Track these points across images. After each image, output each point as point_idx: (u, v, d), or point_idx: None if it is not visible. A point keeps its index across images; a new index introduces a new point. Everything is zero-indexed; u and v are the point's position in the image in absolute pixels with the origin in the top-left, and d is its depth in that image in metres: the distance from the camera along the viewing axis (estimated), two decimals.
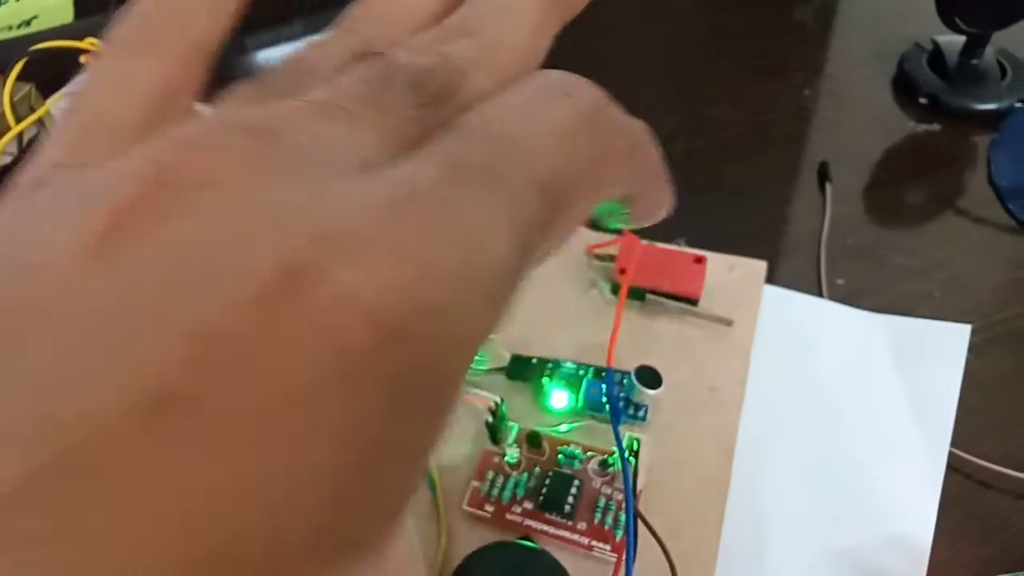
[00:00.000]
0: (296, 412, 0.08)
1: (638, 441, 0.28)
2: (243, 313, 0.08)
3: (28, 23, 0.48)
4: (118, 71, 0.12)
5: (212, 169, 0.09)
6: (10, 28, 0.47)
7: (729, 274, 0.35)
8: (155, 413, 0.08)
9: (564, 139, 0.10)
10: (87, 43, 0.36)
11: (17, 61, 0.34)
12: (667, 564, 0.24)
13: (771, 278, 0.35)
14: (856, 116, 0.45)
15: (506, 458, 0.28)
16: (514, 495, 0.27)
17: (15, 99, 0.34)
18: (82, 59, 0.37)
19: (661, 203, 0.13)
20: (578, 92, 0.11)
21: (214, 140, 0.10)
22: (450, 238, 0.09)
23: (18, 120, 0.34)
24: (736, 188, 0.41)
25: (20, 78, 0.34)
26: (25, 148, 0.35)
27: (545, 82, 0.11)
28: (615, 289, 0.33)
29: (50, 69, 0.38)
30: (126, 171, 0.09)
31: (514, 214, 0.09)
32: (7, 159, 0.34)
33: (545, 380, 0.30)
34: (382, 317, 0.08)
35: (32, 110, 0.36)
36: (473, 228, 0.09)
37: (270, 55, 0.52)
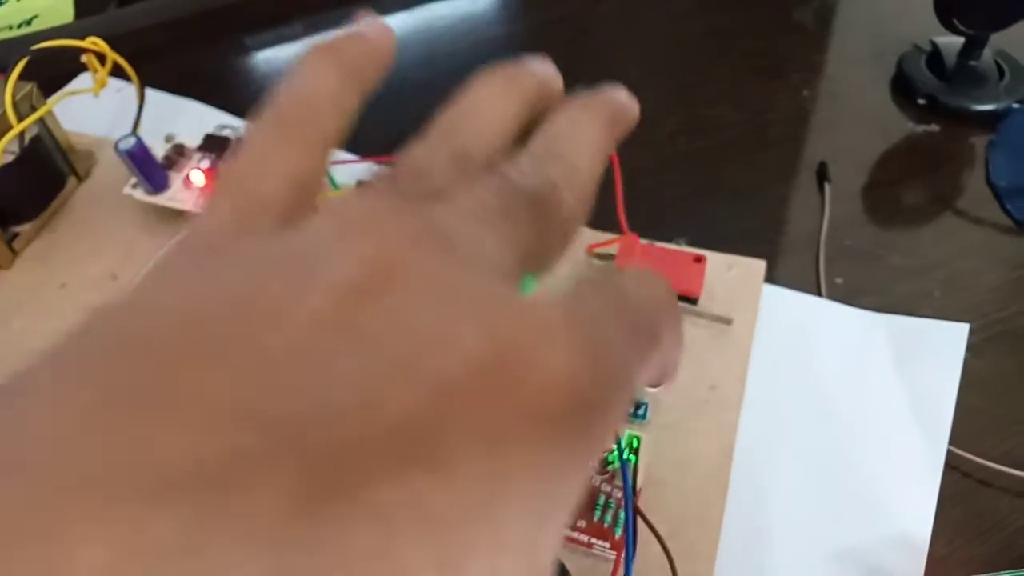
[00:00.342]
0: (513, 454, 0.10)
1: (638, 439, 0.28)
2: (471, 374, 0.10)
3: (29, 23, 0.48)
4: (268, 156, 0.15)
5: (415, 262, 0.11)
6: (11, 28, 0.47)
7: (728, 273, 0.35)
8: (409, 454, 0.09)
9: (662, 304, 0.14)
10: (88, 42, 0.36)
11: (19, 60, 0.34)
12: (667, 562, 0.24)
13: (770, 278, 0.35)
14: (855, 116, 0.45)
15: None
16: None
17: (16, 98, 0.34)
18: (83, 58, 0.37)
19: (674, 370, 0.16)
20: (664, 283, 0.15)
21: (412, 237, 0.12)
22: (609, 348, 0.12)
23: (19, 119, 0.34)
24: (735, 188, 0.41)
25: (21, 77, 0.34)
26: (27, 147, 0.35)
27: (651, 277, 0.15)
28: None
29: (51, 68, 0.38)
30: (350, 253, 0.11)
31: (637, 346, 0.13)
32: (8, 158, 0.34)
33: None
34: (575, 388, 0.11)
35: (33, 109, 0.36)
36: (620, 348, 0.12)
37: (270, 55, 0.52)
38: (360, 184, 0.16)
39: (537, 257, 0.14)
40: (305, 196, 0.15)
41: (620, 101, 0.18)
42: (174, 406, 0.10)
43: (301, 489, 0.09)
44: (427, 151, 0.15)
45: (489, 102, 0.17)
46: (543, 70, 0.18)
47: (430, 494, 0.09)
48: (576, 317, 0.12)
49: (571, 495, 0.11)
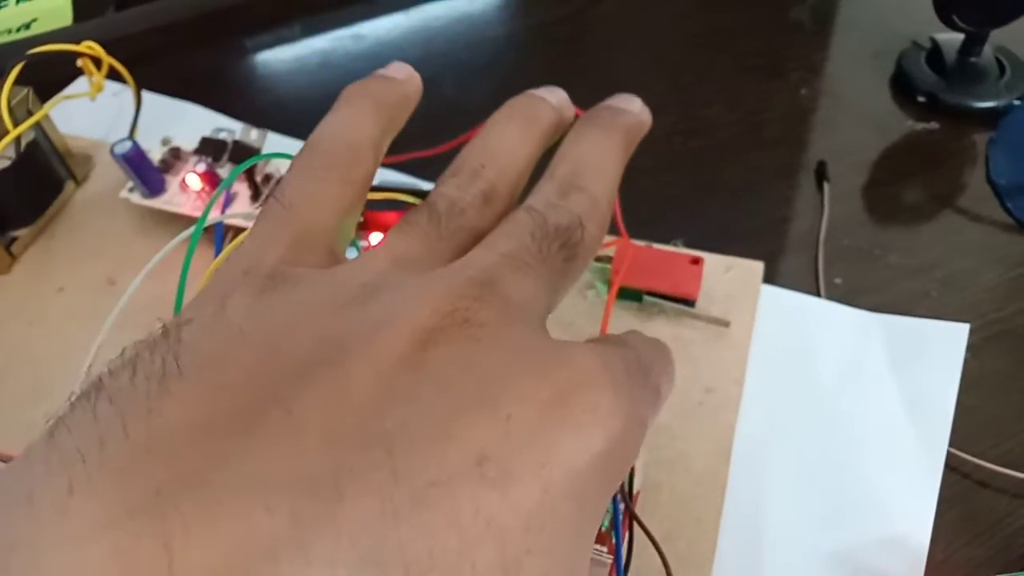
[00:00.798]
0: (563, 480, 0.12)
1: None
2: (535, 410, 0.12)
3: (27, 26, 0.48)
4: (321, 191, 0.16)
5: (475, 312, 0.13)
6: (9, 31, 0.47)
7: (726, 275, 0.35)
8: (479, 469, 0.11)
9: (667, 364, 0.17)
10: (84, 47, 0.36)
11: (14, 65, 0.34)
12: (662, 566, 0.24)
13: (769, 278, 0.35)
14: (854, 115, 0.45)
15: None
16: None
17: (12, 103, 0.34)
18: (79, 63, 0.37)
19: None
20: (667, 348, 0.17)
21: (467, 290, 0.13)
22: (636, 390, 0.14)
23: (16, 124, 0.34)
24: (733, 188, 0.41)
25: (18, 81, 0.34)
26: (23, 151, 0.35)
27: (668, 351, 0.17)
28: (607, 288, 0.33)
29: (48, 72, 0.38)
30: (423, 300, 0.13)
31: (653, 408, 0.15)
32: (5, 163, 0.34)
33: None
34: (619, 430, 0.13)
35: (30, 113, 0.36)
36: (644, 396, 0.14)
37: (268, 57, 0.52)
38: (399, 222, 0.17)
39: (561, 290, 0.16)
40: (346, 234, 0.17)
41: (636, 117, 0.19)
42: (277, 428, 0.11)
43: (390, 495, 0.10)
44: (458, 190, 0.17)
45: (511, 141, 0.18)
46: (559, 103, 0.19)
47: (496, 507, 0.11)
48: (609, 367, 0.13)
49: (600, 514, 0.13)
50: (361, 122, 0.17)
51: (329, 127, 0.17)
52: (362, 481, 0.10)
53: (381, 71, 0.19)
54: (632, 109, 0.19)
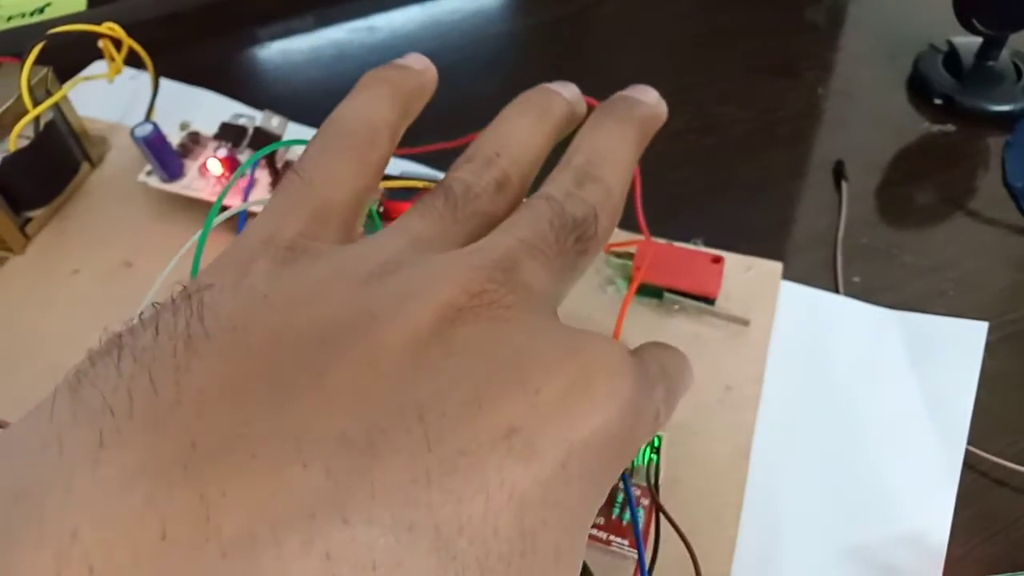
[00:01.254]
0: (580, 454, 0.12)
1: (659, 438, 0.28)
2: (562, 388, 0.12)
3: (41, 10, 0.47)
4: (340, 169, 0.16)
5: (497, 294, 0.13)
6: (23, 15, 0.47)
7: (746, 274, 0.35)
8: (507, 441, 0.11)
9: (684, 364, 0.17)
10: (105, 27, 0.36)
11: (35, 45, 0.34)
12: (689, 560, 0.24)
13: (787, 277, 0.35)
14: (870, 116, 0.45)
15: None
16: None
17: (32, 83, 0.34)
18: (100, 44, 0.36)
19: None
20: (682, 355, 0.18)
21: (489, 272, 0.14)
22: (651, 378, 0.14)
23: (35, 104, 0.34)
24: (748, 186, 0.41)
25: (37, 62, 0.34)
26: (41, 132, 0.35)
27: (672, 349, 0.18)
28: (627, 284, 0.33)
29: (66, 54, 0.38)
30: (442, 281, 0.13)
31: (668, 409, 0.16)
32: (23, 142, 0.34)
33: None
34: (634, 415, 0.13)
35: (49, 94, 0.35)
36: (658, 390, 0.15)
37: (282, 46, 0.52)
38: (414, 203, 0.17)
39: (571, 282, 0.16)
40: (360, 214, 0.17)
41: (652, 108, 0.19)
42: (309, 390, 0.11)
43: (422, 459, 0.11)
44: (472, 176, 0.17)
45: (525, 131, 0.18)
46: (572, 98, 0.20)
47: (520, 479, 0.11)
48: (626, 355, 0.14)
49: (604, 494, 0.13)
50: (378, 106, 0.18)
51: (348, 109, 0.18)
52: (395, 443, 0.11)
53: (399, 60, 0.19)
54: (648, 100, 0.19)
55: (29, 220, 0.36)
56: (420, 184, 0.28)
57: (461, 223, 0.16)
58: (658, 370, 0.15)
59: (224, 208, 0.31)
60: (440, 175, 0.38)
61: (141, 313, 0.12)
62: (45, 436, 0.10)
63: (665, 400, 0.15)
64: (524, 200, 0.17)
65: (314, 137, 0.17)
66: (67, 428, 0.10)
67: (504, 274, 0.14)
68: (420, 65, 0.19)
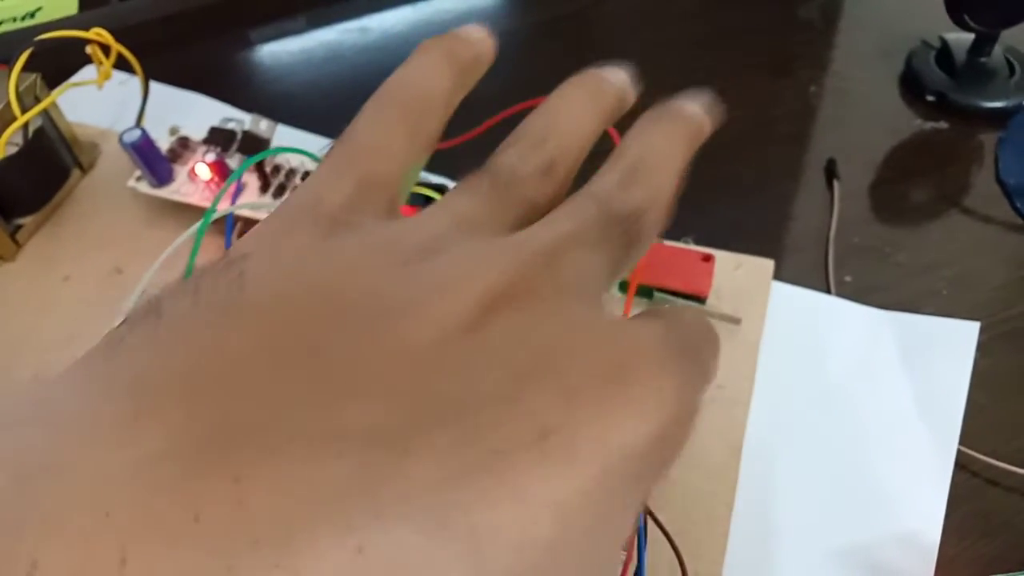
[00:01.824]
0: (618, 453, 0.11)
1: None
2: (597, 386, 0.12)
3: (32, 15, 0.47)
4: (391, 140, 0.16)
5: (538, 286, 0.13)
6: (14, 20, 0.47)
7: (736, 272, 0.35)
8: (541, 442, 0.11)
9: (714, 345, 0.16)
10: (93, 33, 0.36)
11: (23, 51, 0.34)
12: (676, 560, 0.24)
13: (778, 276, 0.35)
14: (863, 113, 0.45)
15: None
16: None
17: (20, 89, 0.34)
18: (87, 50, 0.36)
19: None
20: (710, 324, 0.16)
21: (532, 263, 0.13)
22: (687, 379, 0.13)
23: (23, 110, 0.34)
24: (743, 185, 0.41)
25: (25, 68, 0.34)
26: (30, 139, 0.35)
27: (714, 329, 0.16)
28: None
29: (55, 61, 0.38)
30: (484, 269, 0.13)
31: (703, 386, 0.14)
32: (12, 149, 0.34)
33: None
34: (673, 416, 0.12)
35: (37, 100, 0.35)
36: (694, 380, 0.14)
37: (274, 49, 0.52)
38: (458, 182, 0.16)
39: (618, 274, 0.16)
40: (408, 187, 0.16)
41: (704, 116, 0.19)
42: (346, 377, 0.11)
43: (457, 458, 0.10)
44: (518, 160, 0.16)
45: (575, 116, 0.18)
46: (623, 83, 0.19)
47: (556, 483, 0.11)
48: (668, 345, 0.13)
49: (645, 499, 0.13)
50: (434, 75, 0.17)
51: (402, 77, 0.17)
52: (429, 440, 0.10)
53: (456, 30, 0.19)
54: (704, 108, 0.19)
55: (19, 227, 0.36)
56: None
57: (505, 207, 0.15)
58: (695, 350, 0.15)
59: (204, 210, 0.31)
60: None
61: (182, 277, 0.12)
62: (79, 405, 0.10)
63: (702, 386, 0.15)
64: (571, 196, 0.16)
65: (366, 105, 0.17)
66: (100, 399, 0.10)
67: (546, 265, 0.13)
68: (479, 35, 0.19)
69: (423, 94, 0.17)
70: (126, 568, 0.08)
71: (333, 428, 0.10)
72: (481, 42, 0.18)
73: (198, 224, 0.24)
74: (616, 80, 0.19)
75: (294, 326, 0.11)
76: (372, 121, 0.16)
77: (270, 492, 0.09)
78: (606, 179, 0.16)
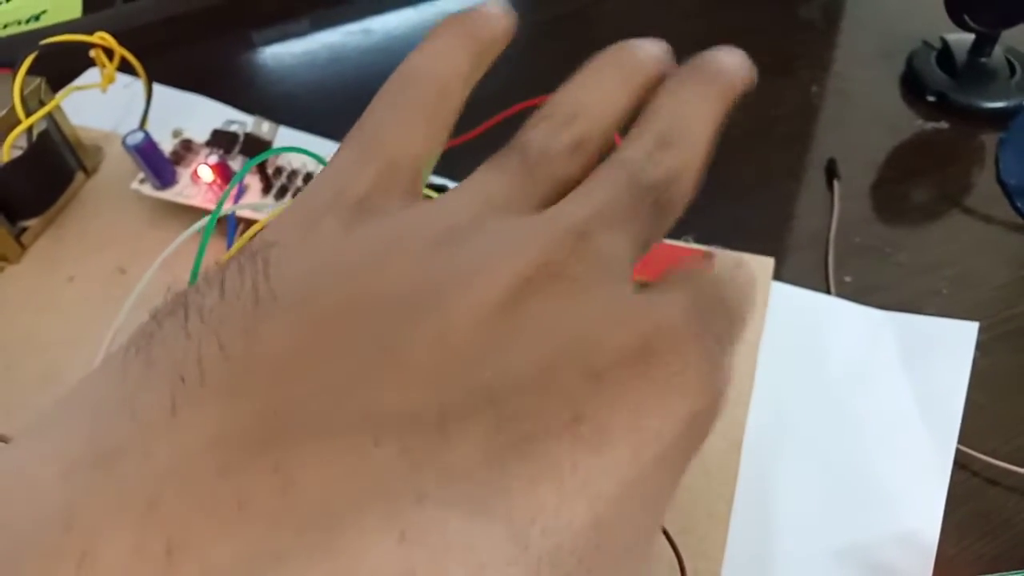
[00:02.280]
0: (650, 436, 0.11)
1: None
2: (626, 369, 0.12)
3: (37, 18, 0.48)
4: (410, 126, 0.16)
5: (569, 267, 0.13)
6: (19, 23, 0.47)
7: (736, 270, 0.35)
8: (573, 428, 0.11)
9: (746, 299, 0.16)
10: (96, 37, 0.36)
11: (27, 55, 0.34)
12: (675, 559, 0.24)
13: (778, 275, 0.35)
14: (864, 113, 0.45)
15: None
16: None
17: (25, 93, 0.34)
18: (91, 54, 0.37)
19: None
20: (749, 270, 0.17)
21: (564, 243, 0.13)
22: (717, 351, 0.13)
23: (28, 114, 0.34)
24: (743, 185, 0.41)
25: (30, 72, 0.34)
26: (35, 142, 0.35)
27: (746, 273, 0.17)
28: None
29: (59, 64, 0.38)
30: (515, 253, 0.13)
31: (732, 345, 0.14)
32: (17, 153, 0.34)
33: None
34: (705, 392, 0.12)
35: (42, 104, 0.36)
36: (724, 352, 0.13)
37: (277, 51, 0.52)
38: (489, 160, 0.16)
39: (648, 244, 0.15)
40: (427, 171, 0.16)
41: (736, 70, 0.18)
42: (382, 364, 0.11)
43: (493, 443, 0.10)
44: (548, 136, 0.16)
45: (606, 91, 0.17)
46: (660, 55, 0.18)
47: (591, 468, 0.11)
48: (695, 323, 0.13)
49: (678, 483, 0.13)
50: (451, 56, 0.17)
51: (418, 59, 0.17)
52: (466, 425, 0.10)
53: (473, 8, 0.18)
54: (734, 63, 0.18)
55: (24, 229, 0.37)
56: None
57: (535, 186, 0.15)
58: (725, 312, 0.14)
59: (207, 212, 0.31)
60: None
61: (205, 272, 0.12)
62: (118, 398, 0.10)
63: (731, 350, 0.14)
64: (600, 165, 0.16)
65: (381, 90, 0.16)
66: (138, 390, 0.10)
67: (576, 243, 0.13)
68: (497, 10, 0.18)
69: (440, 76, 0.16)
70: (173, 558, 0.09)
71: (371, 415, 0.10)
72: (499, 19, 0.18)
73: (197, 225, 0.24)
74: (650, 52, 0.18)
75: (324, 316, 0.11)
76: (389, 106, 0.16)
77: (313, 480, 0.09)
78: (636, 145, 0.16)
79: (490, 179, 0.15)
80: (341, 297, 0.12)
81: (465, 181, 0.15)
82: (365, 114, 0.16)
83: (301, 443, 0.10)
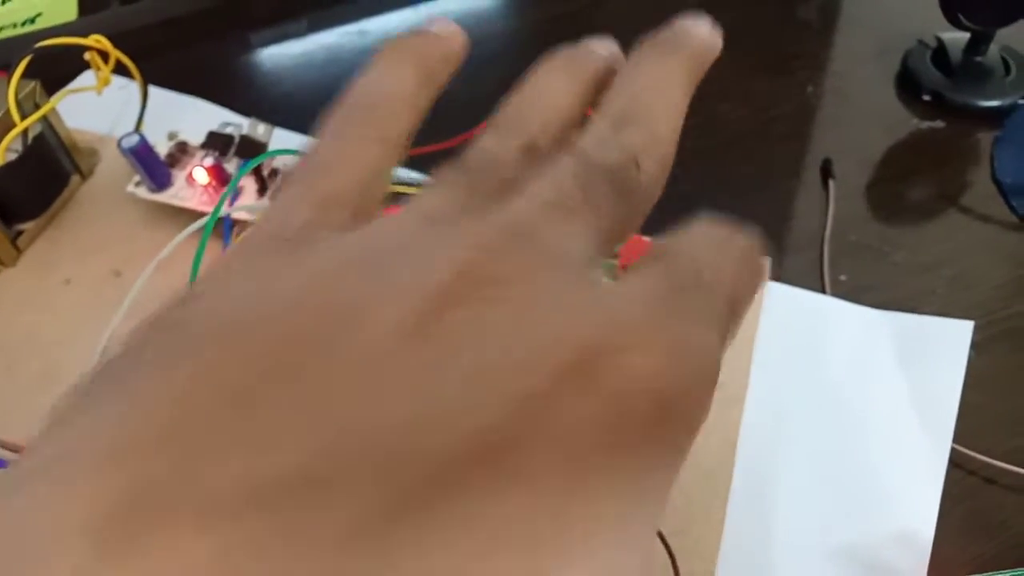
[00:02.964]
0: (591, 462, 0.10)
1: None
2: (554, 385, 0.10)
3: (32, 20, 0.48)
4: (348, 151, 0.15)
5: (500, 269, 0.11)
6: (14, 26, 0.47)
7: None
8: (482, 455, 0.09)
9: (741, 270, 0.14)
10: (91, 40, 0.36)
11: (22, 58, 0.34)
12: (669, 560, 0.24)
13: (774, 275, 0.35)
14: (859, 113, 0.45)
15: None
16: None
17: (20, 96, 0.34)
18: (86, 56, 0.37)
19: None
20: (743, 238, 0.15)
21: (495, 243, 0.12)
22: (691, 340, 0.11)
23: (23, 117, 0.34)
24: (739, 185, 0.41)
25: (25, 75, 0.34)
26: (30, 145, 0.35)
27: (722, 231, 0.15)
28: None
29: (54, 67, 0.38)
30: (433, 259, 0.11)
31: (719, 324, 0.12)
32: (12, 156, 0.34)
33: None
34: (660, 393, 0.10)
35: (37, 107, 0.36)
36: (702, 335, 0.12)
37: (274, 53, 0.52)
38: (431, 178, 0.15)
39: (616, 236, 0.14)
40: (378, 193, 0.15)
41: (703, 40, 0.17)
42: (246, 419, 0.10)
43: (373, 506, 0.09)
44: (496, 143, 0.15)
45: (555, 90, 0.16)
46: (608, 54, 0.18)
47: (513, 506, 0.09)
48: (656, 312, 0.11)
49: (659, 494, 0.11)
50: (397, 76, 0.16)
51: (364, 82, 0.16)
52: (349, 483, 0.09)
53: (421, 26, 0.17)
54: (699, 31, 0.17)
55: (20, 233, 0.37)
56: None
57: (482, 195, 0.14)
58: (708, 296, 0.13)
59: (202, 214, 0.31)
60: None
61: (140, 324, 0.12)
62: (9, 483, 0.10)
63: (723, 333, 0.12)
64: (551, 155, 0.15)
65: (327, 116, 0.16)
66: (34, 473, 0.10)
67: (509, 241, 0.12)
68: (445, 30, 0.17)
69: (383, 99, 0.16)
70: None
71: (251, 480, 0.09)
72: (448, 38, 0.17)
73: (192, 227, 0.24)
74: (602, 50, 0.17)
75: (230, 361, 0.10)
76: (334, 132, 0.15)
77: (167, 562, 0.08)
78: (591, 131, 0.15)
79: (428, 197, 0.14)
80: (252, 337, 0.11)
81: (407, 204, 0.14)
82: (310, 142, 0.16)
83: (163, 520, 0.09)
